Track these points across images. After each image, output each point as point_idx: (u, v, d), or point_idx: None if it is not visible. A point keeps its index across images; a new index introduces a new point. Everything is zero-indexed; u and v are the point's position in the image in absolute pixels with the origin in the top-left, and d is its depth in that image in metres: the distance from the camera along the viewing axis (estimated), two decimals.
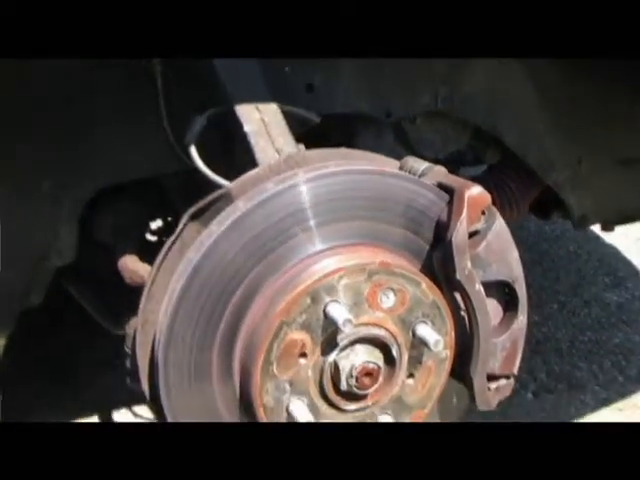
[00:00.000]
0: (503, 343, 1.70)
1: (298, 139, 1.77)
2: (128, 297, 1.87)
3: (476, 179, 2.42)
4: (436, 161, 2.21)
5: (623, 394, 2.92)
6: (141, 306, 1.61)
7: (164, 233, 2.51)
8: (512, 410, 2.80)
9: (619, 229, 3.90)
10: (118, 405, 2.87)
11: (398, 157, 1.73)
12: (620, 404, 2.87)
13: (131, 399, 2.81)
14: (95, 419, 2.84)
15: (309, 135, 1.87)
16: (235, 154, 1.77)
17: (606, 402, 2.88)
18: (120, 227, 2.16)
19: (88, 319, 2.32)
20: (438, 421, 1.79)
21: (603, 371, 3.02)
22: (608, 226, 2.72)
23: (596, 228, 3.86)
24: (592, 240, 3.97)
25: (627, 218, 2.59)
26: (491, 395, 1.74)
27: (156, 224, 2.48)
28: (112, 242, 2.16)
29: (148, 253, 1.96)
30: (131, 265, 1.99)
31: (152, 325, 1.57)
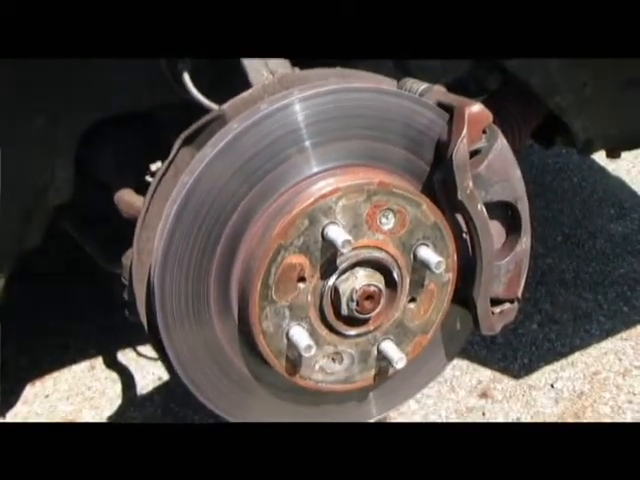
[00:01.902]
0: (507, 266, 1.67)
1: (294, 64, 1.72)
2: (126, 234, 1.84)
3: None
4: None
5: (628, 324, 2.90)
6: (136, 235, 1.58)
7: None
8: (517, 341, 2.79)
9: (624, 162, 3.88)
10: (122, 346, 2.86)
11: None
12: (625, 334, 2.85)
13: (136, 339, 2.80)
14: (100, 361, 2.84)
15: (305, 63, 1.82)
16: (229, 80, 1.72)
17: (611, 332, 2.86)
18: (118, 164, 2.12)
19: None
20: (441, 346, 1.77)
21: (608, 301, 2.99)
22: (613, 152, 2.67)
23: (601, 160, 3.84)
24: (597, 172, 3.91)
25: (633, 143, 2.54)
26: (495, 319, 1.71)
27: (156, 166, 2.44)
28: (110, 179, 2.12)
29: (145, 187, 1.93)
30: (127, 198, 1.95)
31: (148, 254, 1.54)
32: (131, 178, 2.10)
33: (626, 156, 3.14)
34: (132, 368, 2.79)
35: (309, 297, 1.49)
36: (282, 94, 1.47)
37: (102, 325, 2.90)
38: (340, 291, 1.49)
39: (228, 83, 1.71)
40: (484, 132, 1.56)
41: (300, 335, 1.49)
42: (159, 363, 2.68)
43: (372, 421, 1.78)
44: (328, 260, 1.46)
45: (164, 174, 1.55)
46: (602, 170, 3.93)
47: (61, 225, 2.34)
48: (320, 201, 1.43)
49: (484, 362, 2.71)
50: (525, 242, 1.69)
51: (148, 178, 2.44)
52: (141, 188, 2.04)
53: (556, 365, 2.71)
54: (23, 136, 1.85)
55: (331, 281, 1.49)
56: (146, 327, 1.60)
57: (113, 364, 2.82)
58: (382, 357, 1.61)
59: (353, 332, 1.56)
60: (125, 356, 2.84)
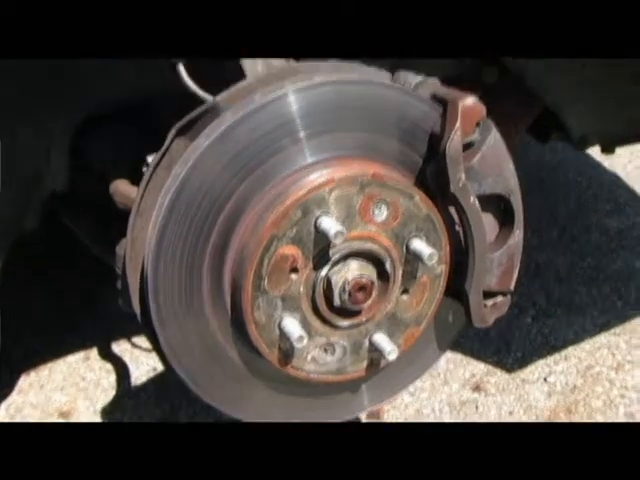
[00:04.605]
0: (499, 258, 1.68)
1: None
2: (122, 224, 1.85)
3: None
4: None
5: (621, 319, 2.90)
6: (130, 224, 1.59)
7: None
8: (511, 335, 2.80)
9: (620, 157, 3.89)
10: (116, 337, 2.87)
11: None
12: (618, 328, 2.86)
13: (130, 330, 2.80)
14: (94, 352, 2.84)
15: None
16: (223, 71, 1.72)
17: (604, 326, 2.86)
18: (114, 155, 2.13)
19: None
20: (434, 338, 1.78)
21: (602, 296, 3.00)
22: (608, 148, 2.68)
23: (597, 155, 3.85)
24: (592, 167, 3.92)
25: (628, 139, 2.55)
26: (487, 312, 1.72)
27: (152, 157, 2.44)
28: (106, 169, 2.13)
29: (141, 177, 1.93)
30: (122, 189, 1.96)
31: (141, 243, 1.54)
32: (127, 169, 2.10)
33: (622, 152, 3.14)
34: (126, 359, 2.79)
35: (301, 288, 1.50)
36: (276, 85, 1.47)
37: (96, 316, 2.91)
38: (332, 282, 1.49)
39: (223, 74, 1.71)
40: (478, 125, 1.57)
41: (292, 326, 1.50)
42: (153, 354, 2.67)
43: (364, 412, 1.79)
44: (321, 251, 1.47)
45: (158, 164, 1.55)
46: (598, 165, 3.94)
47: (58, 214, 2.35)
48: (313, 192, 1.44)
49: (478, 355, 2.72)
50: (518, 235, 1.69)
51: (144, 169, 2.45)
52: (137, 179, 2.05)
53: (549, 359, 2.71)
54: (18, 124, 1.85)
55: (324, 272, 1.49)
56: (139, 317, 1.61)
57: (107, 355, 2.82)
58: (374, 349, 1.62)
59: (345, 323, 1.56)
60: (119, 347, 2.84)
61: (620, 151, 2.67)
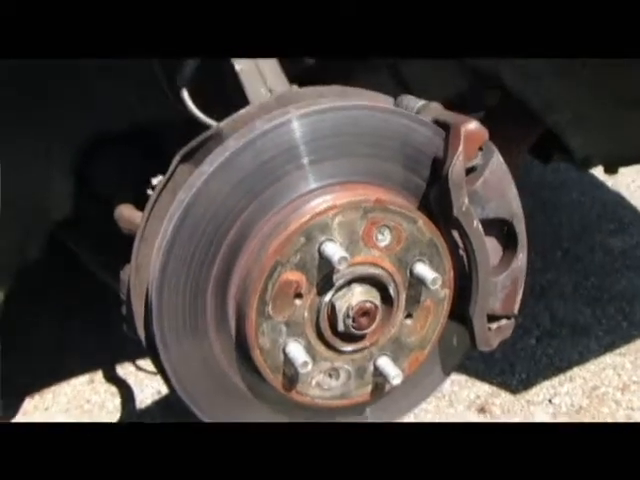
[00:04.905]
0: (503, 282, 1.68)
1: (293, 82, 1.73)
2: (127, 249, 1.85)
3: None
4: None
5: (626, 339, 2.90)
6: (134, 251, 1.59)
7: None
8: (515, 356, 2.79)
9: (623, 176, 3.89)
10: (121, 359, 2.87)
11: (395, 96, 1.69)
12: (623, 349, 2.86)
13: (135, 353, 2.80)
14: (99, 375, 2.84)
15: (304, 78, 1.83)
16: (227, 97, 1.74)
17: (609, 347, 2.86)
18: (118, 180, 2.14)
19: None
20: (438, 362, 1.77)
21: (607, 316, 3.00)
22: (611, 168, 2.68)
23: (600, 175, 3.85)
24: (596, 187, 3.92)
25: (630, 159, 2.55)
26: (492, 335, 1.72)
27: (156, 179, 2.45)
28: (110, 194, 2.14)
29: (145, 202, 1.94)
30: (127, 214, 1.97)
31: (146, 269, 1.55)
32: (131, 193, 2.12)
33: (625, 171, 3.16)
34: (131, 382, 2.80)
35: (306, 313, 1.50)
36: (279, 112, 1.48)
37: (101, 339, 2.91)
38: (337, 307, 1.49)
39: (226, 99, 1.73)
40: (480, 149, 1.57)
41: (297, 351, 1.50)
42: (158, 377, 2.67)
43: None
44: (325, 276, 1.47)
45: (162, 190, 1.56)
46: (601, 185, 3.94)
47: (62, 239, 2.36)
48: (317, 218, 1.44)
49: (482, 377, 2.71)
50: (521, 258, 1.69)
51: (149, 192, 2.46)
52: (141, 202, 2.06)
53: (554, 380, 2.71)
54: (21, 151, 1.87)
55: (328, 297, 1.50)
56: (144, 342, 1.61)
57: (112, 378, 2.82)
58: (379, 373, 1.61)
59: (350, 348, 1.56)
60: (124, 370, 2.84)
61: (624, 170, 2.69)
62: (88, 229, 2.38)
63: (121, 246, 1.98)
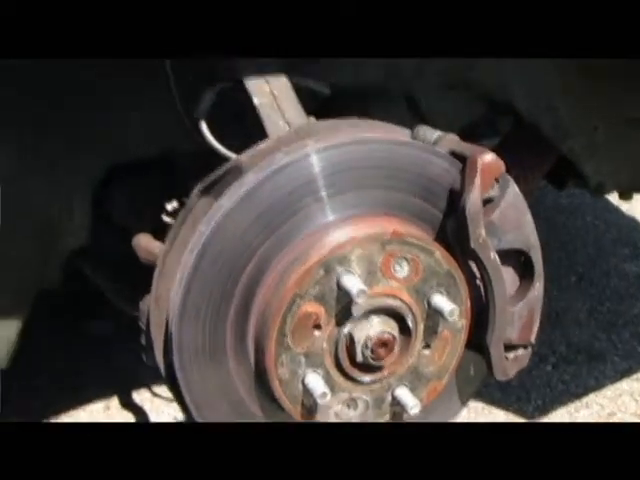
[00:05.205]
0: (520, 312, 1.69)
1: (309, 110, 1.75)
2: (144, 277, 1.87)
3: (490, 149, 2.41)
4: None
5: None
6: (154, 282, 1.61)
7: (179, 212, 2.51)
8: (531, 383, 2.79)
9: (638, 201, 3.89)
10: (137, 385, 2.88)
11: (412, 127, 1.71)
12: None
13: (151, 379, 2.81)
14: (115, 401, 2.85)
15: (321, 110, 1.85)
16: (245, 127, 1.76)
17: (626, 373, 2.86)
18: (135, 208, 2.16)
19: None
20: (455, 391, 1.78)
21: (622, 342, 3.00)
22: (626, 194, 2.69)
23: (615, 199, 3.85)
24: (610, 211, 3.93)
25: None
26: (509, 365, 1.72)
27: (172, 206, 2.47)
28: (128, 223, 2.16)
29: (162, 231, 1.96)
30: (145, 243, 1.98)
31: (165, 300, 1.56)
32: (148, 222, 2.13)
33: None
34: (147, 408, 2.80)
35: (324, 344, 1.51)
36: (297, 145, 1.50)
37: (117, 365, 2.92)
38: (355, 339, 1.50)
39: (244, 130, 1.75)
40: (497, 180, 1.58)
41: (316, 382, 1.51)
42: (174, 404, 2.69)
43: None
44: (343, 308, 1.48)
45: (182, 223, 1.58)
46: (616, 209, 3.95)
47: (78, 266, 2.37)
48: (335, 251, 1.45)
49: (499, 404, 2.71)
50: (538, 288, 1.70)
51: (165, 218, 2.48)
52: (158, 230, 2.08)
53: (571, 406, 2.70)
54: (38, 180, 1.89)
55: (346, 329, 1.50)
56: (162, 370, 1.62)
57: (128, 404, 2.83)
58: (397, 403, 1.62)
59: (368, 378, 1.57)
60: (140, 396, 2.85)
61: (638, 195, 2.69)
62: (105, 256, 2.40)
63: (138, 274, 2.00)
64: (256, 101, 1.66)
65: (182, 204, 2.49)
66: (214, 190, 1.54)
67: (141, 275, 1.95)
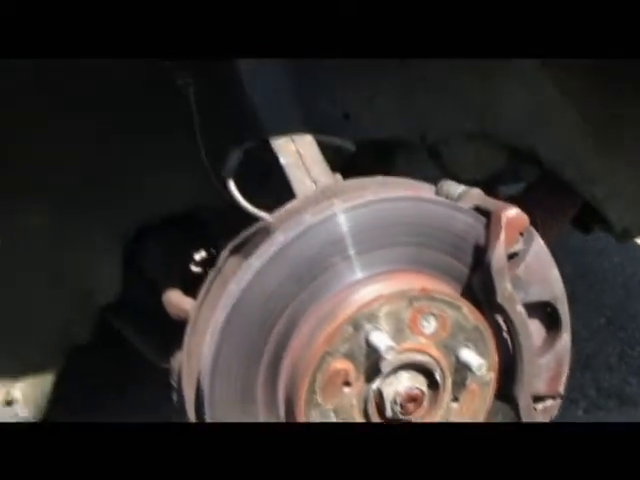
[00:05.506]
0: (547, 363, 1.70)
1: (334, 167, 1.79)
2: (173, 330, 1.90)
3: (514, 197, 2.43)
4: (474, 181, 2.24)
5: None
6: (185, 340, 1.64)
7: (207, 264, 2.54)
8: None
9: None
10: None
11: (435, 179, 1.74)
12: None
13: None
14: None
15: (345, 160, 1.89)
16: (272, 185, 1.80)
17: None
18: (164, 261, 2.20)
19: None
20: None
21: None
22: None
23: None
24: (638, 252, 3.91)
25: None
26: (537, 416, 1.73)
27: (199, 255, 2.50)
28: (156, 275, 2.20)
29: (192, 285, 1.99)
30: (175, 300, 2.02)
31: (197, 358, 1.59)
32: (178, 276, 2.17)
33: None
34: None
35: (354, 400, 1.52)
36: (325, 205, 1.53)
37: (150, 418, 2.93)
38: (384, 394, 1.51)
39: (271, 187, 1.78)
40: (521, 234, 1.60)
41: None
42: None
43: None
44: (372, 364, 1.50)
45: (213, 281, 1.61)
46: None
47: (108, 320, 2.41)
48: (363, 308, 1.48)
49: None
50: (565, 339, 1.71)
51: (193, 267, 2.51)
52: (187, 283, 2.11)
53: None
54: (71, 240, 1.94)
55: (375, 385, 1.52)
56: None
57: None
58: None
59: None
60: None
61: None
62: (135, 310, 2.43)
63: (168, 328, 2.04)
64: (283, 160, 1.70)
65: (209, 254, 2.54)
66: (243, 250, 1.57)
67: (171, 328, 1.99)
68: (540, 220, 2.38)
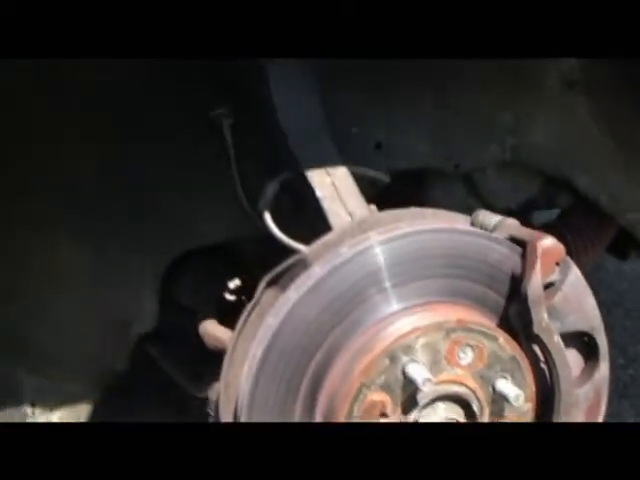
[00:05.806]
0: (586, 393, 1.69)
1: (369, 198, 1.80)
2: (209, 360, 1.91)
3: (549, 225, 2.43)
4: (508, 209, 2.24)
5: None
6: (223, 371, 1.65)
7: (242, 292, 2.56)
8: None
9: None
10: None
11: (469, 208, 1.74)
12: None
13: None
14: None
15: (382, 198, 1.90)
16: (308, 217, 1.81)
17: None
18: (200, 290, 2.22)
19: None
20: None
21: None
22: None
23: None
24: None
25: None
26: None
27: (234, 284, 2.53)
28: (192, 304, 2.22)
29: (227, 313, 2.02)
30: (212, 330, 2.04)
31: (234, 390, 1.60)
32: (214, 304, 2.20)
33: None
34: None
35: None
36: (361, 237, 1.54)
37: None
38: None
39: (306, 219, 1.80)
40: (557, 264, 1.60)
41: None
42: None
43: None
44: (409, 396, 1.50)
45: (250, 314, 1.62)
46: None
47: (144, 349, 2.43)
48: (400, 340, 1.48)
49: None
50: (603, 368, 1.70)
51: (227, 296, 2.53)
52: (224, 313, 2.14)
53: None
54: (109, 272, 1.97)
55: (412, 416, 1.52)
56: None
57: None
58: None
59: None
60: None
61: None
62: (171, 340, 2.46)
63: (204, 358, 2.06)
64: (319, 193, 1.71)
65: (244, 283, 2.57)
66: (281, 282, 1.59)
67: (207, 357, 2.01)
68: (575, 247, 2.39)
